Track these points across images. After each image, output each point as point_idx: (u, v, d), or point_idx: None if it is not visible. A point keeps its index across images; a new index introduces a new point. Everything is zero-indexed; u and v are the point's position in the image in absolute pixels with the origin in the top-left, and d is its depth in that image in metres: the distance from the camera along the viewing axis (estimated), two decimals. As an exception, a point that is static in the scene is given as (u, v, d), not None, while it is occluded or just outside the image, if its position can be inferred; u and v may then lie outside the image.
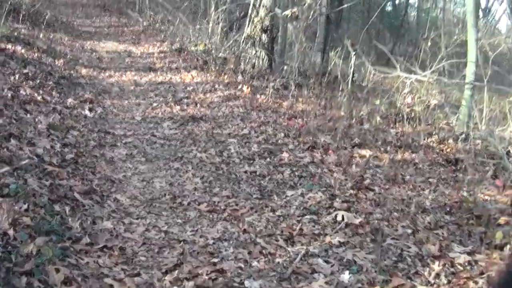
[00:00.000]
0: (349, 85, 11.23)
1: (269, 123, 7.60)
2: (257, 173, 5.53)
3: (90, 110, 7.25)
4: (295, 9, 11.01)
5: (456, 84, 9.28)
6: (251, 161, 5.90)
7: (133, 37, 15.86)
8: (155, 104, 8.15)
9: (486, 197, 5.78)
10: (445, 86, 9.60)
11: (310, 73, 12.71)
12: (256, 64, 12.35)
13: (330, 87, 12.12)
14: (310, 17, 12.25)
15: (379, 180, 5.80)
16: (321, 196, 4.96)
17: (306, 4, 11.36)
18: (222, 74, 10.87)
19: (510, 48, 31.93)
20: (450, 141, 7.88)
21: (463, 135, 8.08)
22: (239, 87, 9.70)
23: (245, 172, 5.54)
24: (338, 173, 5.73)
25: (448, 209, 5.21)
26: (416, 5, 29.94)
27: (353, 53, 12.02)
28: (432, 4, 31.04)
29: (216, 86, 9.83)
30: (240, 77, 10.81)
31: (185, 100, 8.57)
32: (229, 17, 17.75)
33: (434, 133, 8.30)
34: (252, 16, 12.71)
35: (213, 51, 13.04)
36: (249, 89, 9.65)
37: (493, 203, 5.56)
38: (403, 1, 29.92)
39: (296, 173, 5.62)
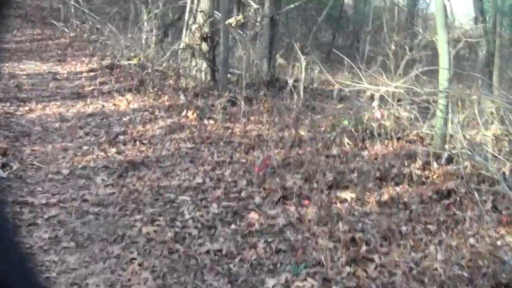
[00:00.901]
0: (302, 93, 10.16)
1: (225, 163, 6.36)
2: (223, 252, 4.28)
3: (3, 166, 5.83)
4: (240, 17, 9.78)
5: (428, 93, 8.21)
6: (212, 231, 4.65)
7: (59, 52, 14.31)
8: (85, 148, 6.76)
9: (499, 243, 4.81)
10: (415, 96, 8.52)
11: (258, 82, 11.57)
12: (197, 77, 11.11)
13: (280, 96, 11.06)
14: (257, 23, 11.06)
15: (374, 240, 4.66)
16: (312, 285, 3.78)
17: (252, 9, 10.14)
18: (162, 95, 9.60)
19: (470, 43, 31.65)
20: (434, 165, 6.82)
21: (445, 155, 7.05)
22: (183, 113, 8.42)
23: (207, 252, 4.27)
24: (324, 238, 4.55)
25: (467, 279, 4.12)
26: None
27: (303, 57, 10.93)
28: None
29: (156, 112, 8.55)
30: (182, 97, 9.56)
31: (121, 137, 7.23)
32: (163, 20, 16.46)
33: (412, 153, 7.27)
34: (189, 23, 11.46)
35: (149, 65, 11.75)
36: (194, 114, 8.40)
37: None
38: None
39: (273, 246, 4.42)
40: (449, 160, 7.00)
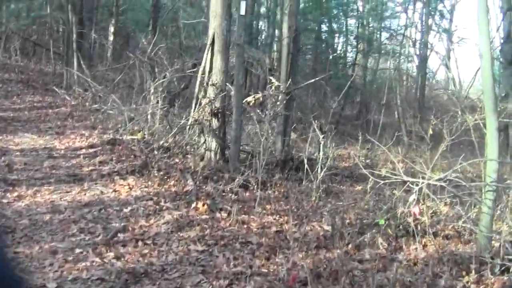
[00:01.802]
0: (319, 174, 9.23)
1: (244, 275, 5.33)
2: None
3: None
4: (259, 95, 8.91)
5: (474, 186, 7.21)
6: None
7: (58, 123, 13.40)
8: (78, 251, 5.72)
9: None
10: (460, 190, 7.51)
11: (272, 162, 10.67)
12: (206, 156, 10.20)
13: (296, 177, 10.17)
14: (278, 102, 10.19)
15: None
16: None
17: (274, 87, 9.27)
18: (167, 179, 8.64)
19: (452, 98, 30.97)
20: (488, 274, 5.78)
21: (498, 262, 6.03)
22: (193, 205, 7.44)
23: None
24: None
25: None
26: (359, 60, 28.41)
27: (321, 136, 10.05)
28: (376, 62, 29.83)
29: (162, 202, 7.57)
30: (190, 181, 8.60)
31: (121, 236, 6.22)
32: (169, 88, 15.72)
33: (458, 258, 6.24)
34: (200, 96, 10.61)
35: (153, 141, 10.88)
36: (205, 205, 7.43)
37: None
38: (349, 60, 28.57)
39: None
40: (503, 270, 5.99)
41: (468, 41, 33.19)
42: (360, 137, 15.45)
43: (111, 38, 23.92)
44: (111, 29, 24.15)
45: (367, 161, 14.67)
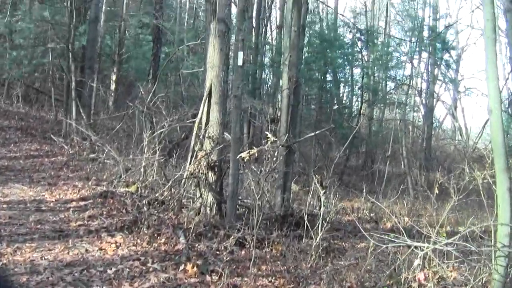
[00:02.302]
0: (319, 231, 8.79)
1: None
2: None
3: None
4: (254, 150, 8.52)
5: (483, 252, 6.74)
6: None
7: (52, 173, 13.01)
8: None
9: None
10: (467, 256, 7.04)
11: (270, 217, 10.25)
12: (202, 211, 9.79)
13: (295, 234, 9.73)
14: (275, 158, 9.82)
15: None
16: None
17: (269, 142, 8.89)
18: (158, 237, 8.20)
19: (458, 148, 30.64)
20: None
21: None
22: (181, 267, 6.98)
23: None
24: None
25: None
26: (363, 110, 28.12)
27: (322, 191, 9.62)
28: (381, 112, 29.63)
29: (150, 262, 7.10)
30: (182, 239, 8.17)
31: (103, 304, 5.77)
32: (169, 137, 15.42)
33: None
34: (196, 149, 10.25)
35: (148, 193, 10.51)
36: (195, 266, 6.97)
37: None
38: (354, 110, 28.34)
39: None
40: None
41: (474, 91, 32.88)
42: (364, 189, 15.07)
43: (113, 86, 23.77)
44: (113, 77, 24.04)
45: (372, 214, 14.25)
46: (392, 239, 6.93)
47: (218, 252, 8.02)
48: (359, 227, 9.08)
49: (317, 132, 14.56)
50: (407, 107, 29.15)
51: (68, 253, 7.35)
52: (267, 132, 9.49)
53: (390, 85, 30.61)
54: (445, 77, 32.93)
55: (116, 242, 7.90)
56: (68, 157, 15.11)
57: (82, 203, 10.22)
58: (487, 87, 6.44)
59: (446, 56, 30.46)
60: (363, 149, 27.49)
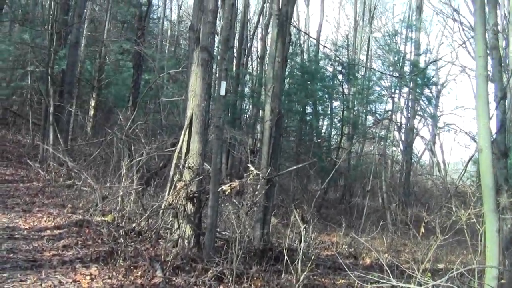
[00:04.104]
0: (299, 266, 8.60)
1: None
2: None
3: None
4: (235, 183, 8.33)
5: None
6: None
7: (27, 199, 12.68)
8: None
9: None
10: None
11: (249, 251, 10.04)
12: (180, 243, 9.55)
13: (275, 269, 9.53)
14: (256, 191, 9.66)
15: None
16: None
17: (252, 175, 8.71)
18: (134, 270, 7.95)
19: (436, 183, 30.71)
20: None
21: None
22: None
23: None
24: None
25: None
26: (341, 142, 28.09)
27: (303, 227, 9.44)
28: (360, 146, 29.69)
29: (125, 297, 6.88)
30: (159, 272, 7.93)
31: None
32: (148, 166, 15.20)
33: None
34: (175, 179, 10.04)
35: (124, 223, 10.27)
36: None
37: None
38: (334, 143, 28.32)
39: None
40: None
41: (453, 127, 33.08)
42: (343, 223, 14.95)
43: (91, 112, 23.52)
44: (92, 102, 23.81)
45: (351, 249, 14.10)
46: (376, 279, 6.74)
47: (195, 287, 7.79)
48: (341, 263, 8.93)
49: (299, 166, 14.44)
50: (386, 141, 29.20)
51: (41, 285, 7.08)
52: (249, 165, 9.32)
53: (370, 119, 30.74)
54: (424, 112, 33.12)
55: (91, 274, 7.64)
56: (44, 183, 14.80)
57: (56, 231, 9.94)
58: (477, 125, 6.35)
59: (426, 92, 30.65)
60: (341, 183, 27.38)
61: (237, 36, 26.69)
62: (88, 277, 7.51)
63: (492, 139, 7.94)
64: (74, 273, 7.69)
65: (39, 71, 20.93)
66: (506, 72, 15.50)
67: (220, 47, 10.93)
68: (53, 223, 10.55)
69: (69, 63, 19.88)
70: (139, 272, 7.88)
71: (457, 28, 46.15)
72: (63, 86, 19.80)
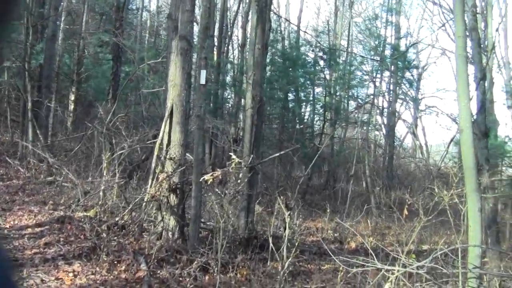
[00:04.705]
0: (285, 253, 8.54)
1: None
2: None
3: None
4: (217, 172, 8.23)
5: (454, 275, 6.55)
6: None
7: (7, 198, 12.44)
8: None
9: None
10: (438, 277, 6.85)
11: (234, 240, 9.97)
12: (164, 235, 9.45)
13: (260, 257, 9.48)
14: (239, 180, 9.57)
15: None
16: None
17: (233, 164, 8.61)
18: (118, 264, 7.84)
19: (419, 166, 30.81)
20: None
21: None
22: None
23: None
24: None
25: None
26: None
27: (287, 213, 9.37)
28: (343, 131, 29.66)
29: (109, 292, 6.77)
30: (143, 265, 7.83)
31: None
32: (130, 159, 15.04)
33: None
34: (157, 171, 9.93)
35: (107, 217, 10.13)
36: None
37: None
38: (317, 129, 28.26)
39: None
40: None
41: (434, 109, 33.16)
42: (328, 209, 14.91)
43: (71, 106, 23.26)
44: (72, 97, 23.53)
45: (336, 234, 14.08)
46: (362, 262, 6.69)
47: (181, 279, 7.73)
48: (326, 248, 8.89)
49: (282, 152, 14.37)
50: (369, 126, 29.21)
51: (23, 284, 6.94)
52: (231, 154, 9.22)
53: (352, 104, 30.73)
54: (406, 95, 33.18)
55: (73, 271, 7.52)
56: (24, 180, 14.57)
57: (38, 229, 9.77)
58: (458, 106, 6.30)
59: (407, 75, 30.69)
60: (325, 168, 27.35)
61: (217, 25, 26.49)
62: (71, 274, 7.39)
63: (472, 120, 7.91)
64: (56, 270, 7.56)
65: (15, 67, 20.59)
66: (485, 53, 15.50)
67: (199, 35, 10.78)
68: (34, 221, 10.38)
69: (46, 57, 19.58)
70: (123, 267, 7.78)
71: (437, 11, 46.09)
72: (41, 81, 19.49)
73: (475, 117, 10.42)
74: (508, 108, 26.32)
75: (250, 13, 17.16)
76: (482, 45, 13.06)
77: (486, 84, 11.90)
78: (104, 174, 11.53)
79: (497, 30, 15.49)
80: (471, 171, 6.14)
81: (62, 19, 24.46)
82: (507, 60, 27.71)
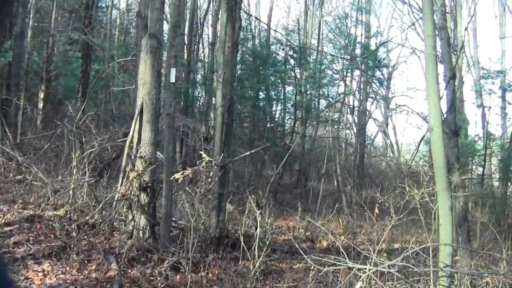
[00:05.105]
0: (256, 252, 8.55)
1: None
2: None
3: None
4: (188, 171, 8.21)
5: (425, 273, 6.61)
6: None
7: (-26, 199, 12.33)
8: None
9: None
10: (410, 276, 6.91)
11: (206, 239, 9.96)
12: (134, 234, 9.41)
13: (232, 256, 9.49)
14: (209, 179, 9.57)
15: None
16: None
17: (204, 162, 8.59)
18: (88, 263, 7.79)
19: (390, 165, 31.07)
20: None
21: None
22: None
23: None
24: None
25: None
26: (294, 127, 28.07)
27: (258, 212, 9.38)
28: (314, 130, 29.77)
29: (79, 291, 6.73)
30: (114, 265, 7.79)
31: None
32: (99, 157, 14.93)
33: None
34: (127, 169, 9.87)
35: (77, 216, 10.06)
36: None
37: None
38: (287, 128, 28.32)
39: None
40: None
41: (405, 108, 33.53)
42: (299, 207, 14.98)
43: (41, 104, 23.00)
44: (41, 95, 23.26)
45: (307, 233, 14.13)
46: (333, 261, 6.72)
47: (152, 278, 7.71)
48: (297, 247, 8.92)
49: (253, 151, 14.40)
50: (340, 124, 29.37)
51: None
52: (201, 152, 9.20)
53: (323, 102, 30.85)
54: (376, 94, 33.43)
55: (43, 271, 7.45)
56: (-7, 182, 14.40)
57: (6, 228, 9.65)
58: (428, 104, 6.37)
59: (378, 74, 30.93)
60: (296, 167, 27.44)
61: (187, 23, 26.43)
62: (40, 274, 7.33)
63: (443, 119, 8.01)
64: (26, 270, 7.49)
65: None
66: (454, 52, 15.68)
67: (169, 33, 10.76)
68: (3, 220, 10.25)
69: (15, 55, 19.35)
70: (94, 266, 7.74)
71: (407, 11, 46.48)
72: (9, 79, 19.29)
73: (445, 115, 10.53)
74: (477, 107, 26.74)
75: (220, 11, 17.16)
76: (451, 44, 13.22)
77: (456, 83, 12.02)
78: (74, 172, 11.44)
79: (466, 29, 15.70)
80: (441, 169, 6.20)
81: (31, 16, 24.16)
82: (477, 59, 28.12)
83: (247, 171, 22.42)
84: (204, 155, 8.58)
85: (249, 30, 29.20)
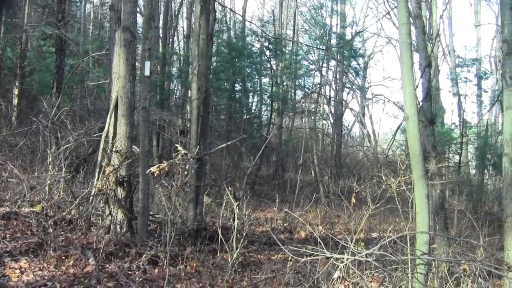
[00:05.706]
0: (234, 244, 8.57)
1: None
2: None
3: None
4: (164, 164, 8.20)
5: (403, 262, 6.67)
6: None
7: None
8: None
9: None
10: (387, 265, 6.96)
11: (183, 232, 9.96)
12: (112, 229, 9.38)
13: (210, 249, 9.50)
14: (186, 171, 9.56)
15: None
16: None
17: (179, 155, 8.58)
18: (65, 259, 7.76)
19: (367, 154, 31.24)
20: None
21: None
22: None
23: None
24: None
25: None
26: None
27: (236, 204, 9.40)
28: (291, 121, 29.83)
29: (57, 287, 6.69)
30: (91, 260, 7.77)
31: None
32: (76, 152, 14.83)
33: None
34: (103, 164, 9.83)
35: (54, 212, 10.00)
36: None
37: None
38: (264, 119, 28.31)
39: None
40: None
41: (381, 97, 33.72)
42: (277, 199, 15.00)
43: (15, 100, 22.78)
44: (15, 91, 23.04)
45: (286, 224, 14.17)
46: (311, 252, 6.75)
47: (130, 272, 7.69)
48: (275, 238, 8.95)
49: (229, 143, 14.41)
50: (316, 115, 29.43)
51: (-32, 282, 6.82)
52: (177, 145, 9.19)
53: (299, 93, 30.89)
54: (353, 84, 33.56)
55: (20, 267, 7.41)
56: (-33, 178, 14.26)
57: (-17, 225, 9.60)
58: (403, 93, 6.41)
59: (354, 64, 31.03)
60: (273, 158, 27.47)
61: (161, 15, 26.29)
62: (17, 271, 7.29)
63: (419, 107, 8.07)
64: (3, 267, 7.44)
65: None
66: (430, 41, 15.78)
67: (143, 26, 10.72)
68: (-21, 218, 10.19)
69: (-13, 51, 19.19)
70: (71, 262, 7.70)
71: (382, 0, 46.69)
72: (-17, 76, 19.12)
73: (421, 104, 10.62)
74: (453, 95, 26.95)
75: (194, 3, 17.10)
76: (426, 33, 13.30)
77: (431, 72, 12.11)
78: (50, 168, 11.39)
79: (441, 17, 15.79)
80: (417, 157, 6.26)
81: (3, 12, 23.85)
82: (452, 48, 28.31)
83: (224, 163, 22.40)
84: (180, 148, 8.57)
85: (224, 22, 29.11)
